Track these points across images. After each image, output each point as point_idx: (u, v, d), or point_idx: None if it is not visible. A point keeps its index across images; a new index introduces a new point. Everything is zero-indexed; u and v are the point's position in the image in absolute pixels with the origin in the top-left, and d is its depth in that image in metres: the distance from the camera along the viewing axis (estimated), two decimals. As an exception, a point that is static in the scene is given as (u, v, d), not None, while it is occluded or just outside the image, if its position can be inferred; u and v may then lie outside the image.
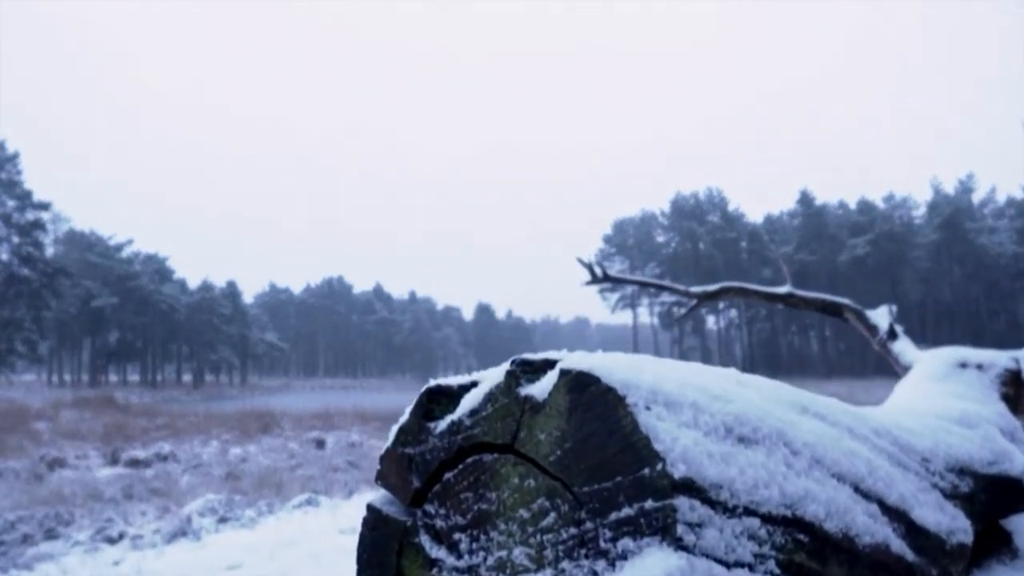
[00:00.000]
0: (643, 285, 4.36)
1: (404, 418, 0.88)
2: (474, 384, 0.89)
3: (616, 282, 4.36)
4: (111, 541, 6.34)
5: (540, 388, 0.78)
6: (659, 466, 0.67)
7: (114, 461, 12.57)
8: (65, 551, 6.15)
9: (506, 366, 0.84)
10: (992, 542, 2.40)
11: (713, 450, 0.73)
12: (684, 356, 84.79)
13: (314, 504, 7.17)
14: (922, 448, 1.55)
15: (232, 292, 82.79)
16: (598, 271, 4.23)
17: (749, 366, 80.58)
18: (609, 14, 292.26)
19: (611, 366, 0.74)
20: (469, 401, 0.83)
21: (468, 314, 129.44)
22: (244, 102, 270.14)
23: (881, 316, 3.52)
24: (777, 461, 0.81)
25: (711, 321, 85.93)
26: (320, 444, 14.73)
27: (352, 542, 4.99)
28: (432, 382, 0.89)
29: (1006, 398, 2.87)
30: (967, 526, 1.72)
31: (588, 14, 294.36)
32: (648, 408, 0.71)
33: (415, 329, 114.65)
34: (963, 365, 2.76)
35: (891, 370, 3.69)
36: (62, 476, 10.85)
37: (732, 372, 1.01)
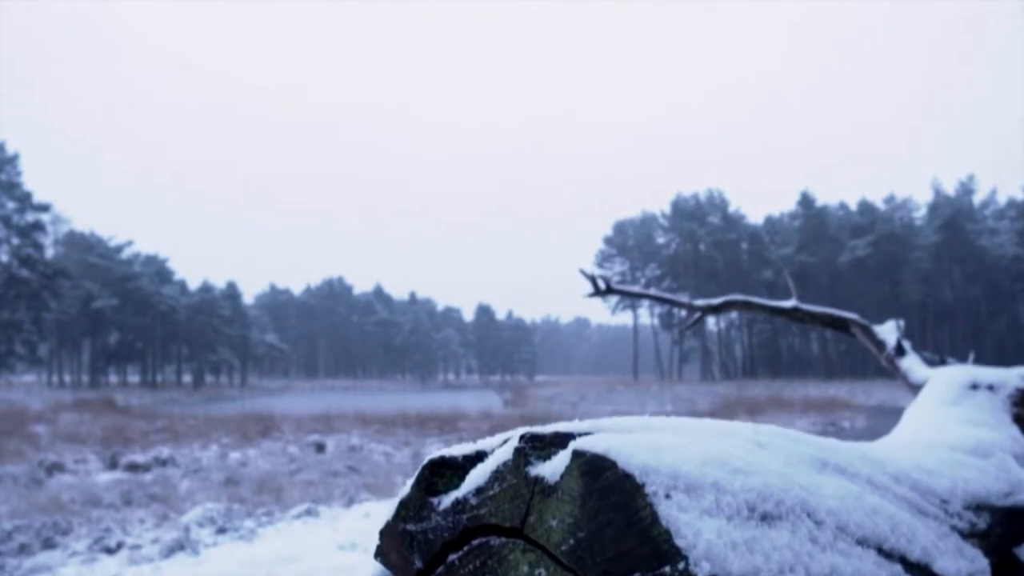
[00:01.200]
0: (647, 298, 4.31)
1: (405, 491, 0.82)
2: (479, 455, 0.83)
3: (619, 294, 4.31)
4: (109, 551, 6.30)
5: (551, 469, 0.72)
6: (681, 565, 0.62)
7: (113, 465, 12.53)
8: (63, 562, 6.10)
9: (514, 441, 0.77)
10: (1005, 571, 2.35)
11: (737, 538, 0.67)
12: (684, 357, 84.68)
13: (313, 515, 7.11)
14: (941, 490, 1.50)
15: (232, 293, 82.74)
16: (600, 283, 4.17)
17: (750, 367, 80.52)
18: (608, 13, 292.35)
19: (629, 449, 0.69)
20: (475, 478, 0.77)
21: (468, 315, 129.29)
22: (245, 103, 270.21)
23: (888, 331, 3.47)
24: (802, 538, 0.76)
25: (711, 322, 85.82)
26: (320, 448, 14.68)
27: (351, 559, 4.95)
28: (435, 453, 0.83)
29: (1018, 419, 2.82)
30: (985, 566, 1.67)
31: (588, 14, 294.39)
32: (668, 496, 0.66)
33: (415, 330, 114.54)
34: (974, 386, 2.71)
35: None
36: (61, 481, 10.82)
37: (749, 430, 0.96)
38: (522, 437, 0.76)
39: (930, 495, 1.50)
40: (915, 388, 3.23)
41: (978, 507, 1.80)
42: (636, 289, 4.34)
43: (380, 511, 7.14)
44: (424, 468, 0.81)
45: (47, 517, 7.41)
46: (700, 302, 3.93)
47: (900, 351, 3.34)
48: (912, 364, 3.25)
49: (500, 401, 40.57)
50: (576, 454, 0.70)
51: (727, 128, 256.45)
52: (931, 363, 3.79)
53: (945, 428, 2.09)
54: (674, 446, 0.75)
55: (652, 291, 4.31)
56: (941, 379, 2.68)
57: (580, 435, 0.77)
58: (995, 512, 1.91)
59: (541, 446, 0.76)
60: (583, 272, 4.21)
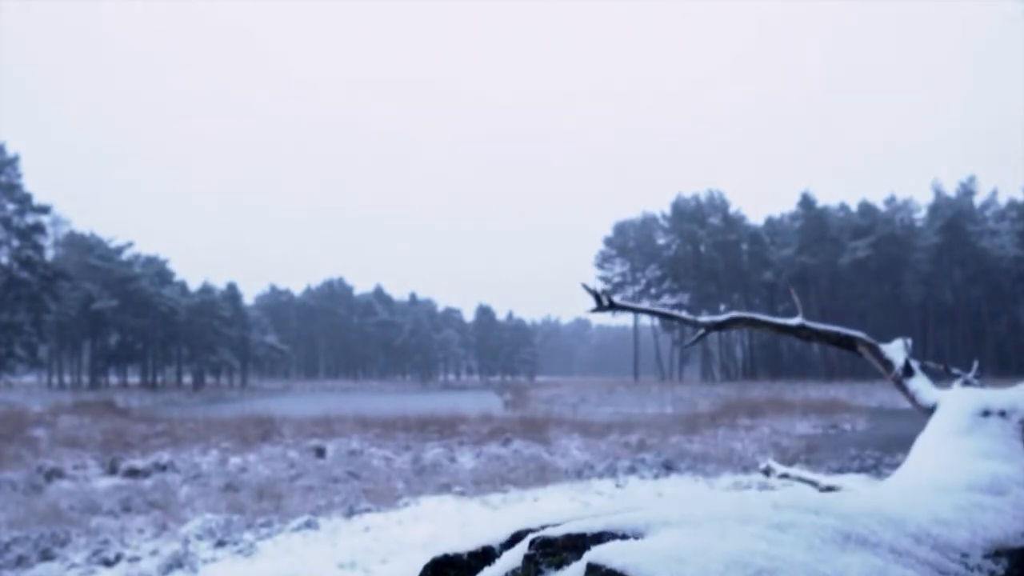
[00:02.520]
0: (650, 314, 4.26)
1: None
2: (486, 553, 0.78)
3: (621, 310, 4.25)
4: (107, 564, 6.26)
5: (564, 582, 0.67)
6: None
7: (112, 471, 12.48)
8: (60, 574, 6.06)
9: (524, 546, 0.72)
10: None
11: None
12: (685, 358, 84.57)
13: (313, 527, 7.06)
14: (960, 543, 1.45)
15: (232, 294, 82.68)
16: (603, 297, 4.12)
17: (750, 369, 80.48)
18: (608, 12, 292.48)
19: (648, 565, 0.64)
20: (481, 583, 0.72)
21: (469, 315, 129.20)
22: (245, 99, 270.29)
23: (896, 351, 3.41)
24: (830, 644, 0.71)
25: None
26: (320, 453, 14.62)
27: (351, 579, 4.91)
28: (439, 552, 0.78)
29: (1029, 445, 2.77)
30: (1004, 616, 1.63)
31: (588, 13, 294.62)
32: (690, 618, 0.61)
33: (415, 331, 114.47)
34: (986, 413, 2.66)
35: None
36: (60, 487, 10.78)
37: (769, 508, 0.91)
38: (532, 543, 0.71)
39: (950, 550, 1.46)
40: (923, 410, 3.18)
41: (997, 553, 1.75)
42: (639, 305, 4.29)
43: (380, 524, 7.10)
44: (427, 568, 0.75)
45: (45, 527, 7.36)
46: (704, 319, 3.87)
47: (908, 371, 3.29)
48: (920, 385, 3.19)
49: (500, 403, 40.52)
50: (591, 567, 0.65)
51: (727, 127, 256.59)
52: (934, 373, 3.73)
53: (959, 464, 2.04)
54: (695, 552, 0.70)
55: (656, 307, 4.27)
56: (952, 406, 2.63)
57: (592, 536, 0.72)
58: (1012, 555, 1.86)
59: (552, 551, 0.71)
60: (585, 287, 4.16)
